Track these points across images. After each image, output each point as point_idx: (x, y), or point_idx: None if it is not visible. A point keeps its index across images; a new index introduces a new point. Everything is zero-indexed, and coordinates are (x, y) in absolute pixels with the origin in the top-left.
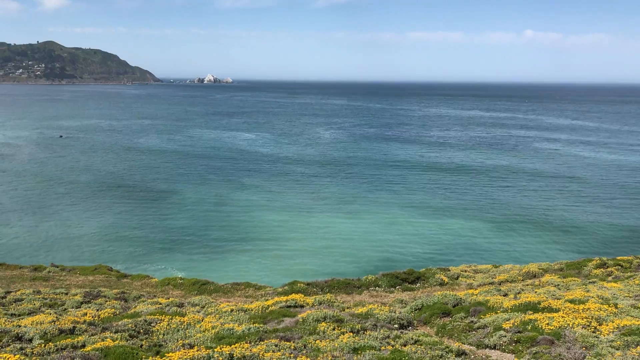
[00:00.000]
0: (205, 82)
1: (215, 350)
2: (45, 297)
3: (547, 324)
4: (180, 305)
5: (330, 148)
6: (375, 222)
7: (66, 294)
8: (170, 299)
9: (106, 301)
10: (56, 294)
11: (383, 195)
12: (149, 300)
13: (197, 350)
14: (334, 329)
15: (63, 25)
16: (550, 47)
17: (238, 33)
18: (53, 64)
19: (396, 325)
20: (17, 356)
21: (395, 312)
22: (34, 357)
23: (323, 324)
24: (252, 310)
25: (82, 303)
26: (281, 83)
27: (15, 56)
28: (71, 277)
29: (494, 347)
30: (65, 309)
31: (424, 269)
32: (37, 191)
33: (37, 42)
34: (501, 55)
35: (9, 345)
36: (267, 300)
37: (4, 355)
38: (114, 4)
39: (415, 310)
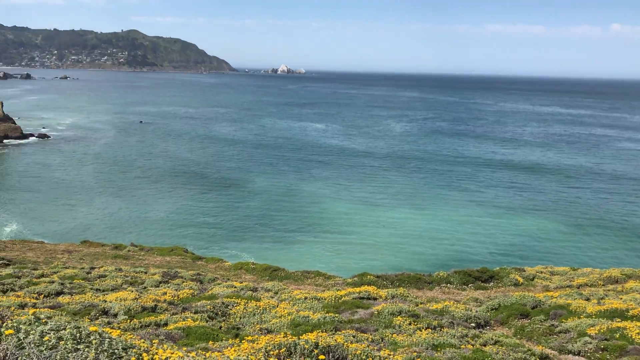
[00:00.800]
0: (279, 72)
1: (301, 337)
2: (127, 275)
3: (638, 333)
4: (254, 289)
5: (400, 141)
6: (445, 219)
7: (145, 272)
8: (245, 283)
9: (183, 282)
10: (136, 273)
11: (453, 192)
12: (223, 283)
13: (284, 337)
14: (409, 324)
15: (146, 15)
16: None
17: (313, 24)
18: (135, 51)
19: (473, 324)
20: (107, 329)
21: (471, 310)
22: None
23: (399, 318)
24: (325, 299)
25: (160, 282)
26: (353, 74)
27: (102, 44)
28: (149, 257)
29: (578, 354)
30: (145, 287)
31: (498, 268)
32: (117, 173)
33: (122, 30)
34: (585, 50)
35: (97, 318)
36: (338, 290)
37: (93, 328)
38: None
39: (492, 309)
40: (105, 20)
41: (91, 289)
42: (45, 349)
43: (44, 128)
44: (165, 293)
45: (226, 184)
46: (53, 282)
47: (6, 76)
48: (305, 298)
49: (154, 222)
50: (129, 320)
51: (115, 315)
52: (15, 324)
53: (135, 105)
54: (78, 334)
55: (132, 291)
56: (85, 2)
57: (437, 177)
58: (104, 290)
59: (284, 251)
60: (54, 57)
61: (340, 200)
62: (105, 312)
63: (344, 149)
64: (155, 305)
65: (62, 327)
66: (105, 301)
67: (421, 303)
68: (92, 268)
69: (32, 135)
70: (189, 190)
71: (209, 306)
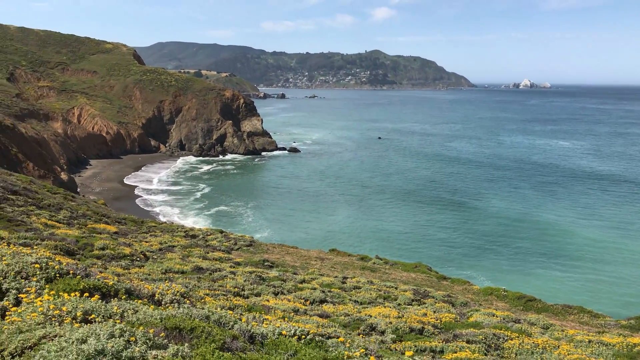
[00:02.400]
0: (521, 87)
1: None
2: (379, 288)
3: None
4: (517, 321)
5: None
6: None
7: (395, 288)
8: (505, 313)
9: (435, 302)
10: (387, 287)
11: None
12: (481, 310)
13: None
14: None
15: (388, 35)
16: None
17: (561, 35)
18: (377, 71)
19: None
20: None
21: None
22: (393, 355)
23: None
24: (613, 345)
25: (413, 300)
26: (606, 88)
27: (346, 64)
28: (394, 271)
29: None
30: (399, 304)
31: None
32: (356, 186)
33: (365, 51)
34: None
35: (368, 334)
36: (620, 336)
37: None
38: (435, 13)
39: None
40: (350, 43)
41: (350, 299)
42: None
43: (294, 142)
44: (426, 314)
45: (460, 203)
46: (315, 288)
47: (265, 96)
48: (590, 341)
49: (389, 235)
50: (398, 341)
51: (382, 333)
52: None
53: (375, 122)
54: None
55: (391, 308)
56: (334, 26)
57: None
58: (361, 303)
59: (520, 275)
60: (305, 78)
61: (587, 226)
62: (372, 328)
63: (593, 171)
64: (422, 328)
65: None
66: (370, 316)
67: None
68: (345, 278)
69: (284, 149)
70: (423, 206)
71: (480, 336)
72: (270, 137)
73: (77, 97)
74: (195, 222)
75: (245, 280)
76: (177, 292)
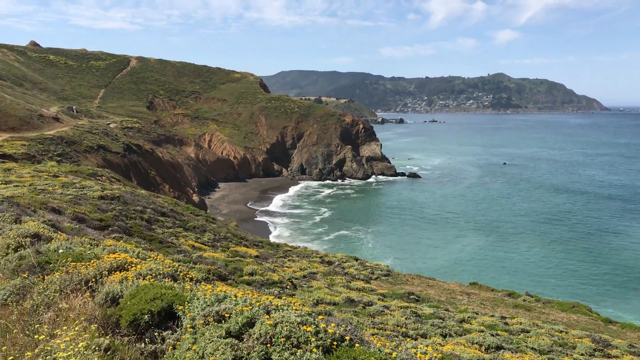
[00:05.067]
0: None
1: None
2: (550, 333)
3: None
4: None
5: None
6: None
7: (565, 332)
8: None
9: (622, 354)
10: (557, 332)
11: None
12: None
13: None
14: None
15: (512, 58)
16: None
17: None
18: (500, 94)
19: None
20: None
21: None
22: None
23: None
24: None
25: (594, 350)
26: None
27: (468, 88)
28: (551, 312)
29: None
30: (582, 354)
31: None
32: (482, 214)
33: (488, 74)
34: None
35: None
36: None
37: None
38: (563, 35)
39: None
40: (471, 66)
41: (526, 346)
42: None
43: (414, 168)
44: None
45: (598, 235)
46: (482, 331)
47: (384, 121)
48: None
49: (522, 268)
50: None
51: None
52: None
53: (498, 147)
54: None
55: None
56: (455, 50)
57: None
58: (540, 351)
59: None
60: (424, 103)
61: None
62: None
63: None
64: None
65: None
66: None
67: None
68: (504, 317)
69: (403, 174)
70: (555, 237)
71: None
72: (389, 162)
73: (208, 123)
74: (318, 246)
75: (405, 318)
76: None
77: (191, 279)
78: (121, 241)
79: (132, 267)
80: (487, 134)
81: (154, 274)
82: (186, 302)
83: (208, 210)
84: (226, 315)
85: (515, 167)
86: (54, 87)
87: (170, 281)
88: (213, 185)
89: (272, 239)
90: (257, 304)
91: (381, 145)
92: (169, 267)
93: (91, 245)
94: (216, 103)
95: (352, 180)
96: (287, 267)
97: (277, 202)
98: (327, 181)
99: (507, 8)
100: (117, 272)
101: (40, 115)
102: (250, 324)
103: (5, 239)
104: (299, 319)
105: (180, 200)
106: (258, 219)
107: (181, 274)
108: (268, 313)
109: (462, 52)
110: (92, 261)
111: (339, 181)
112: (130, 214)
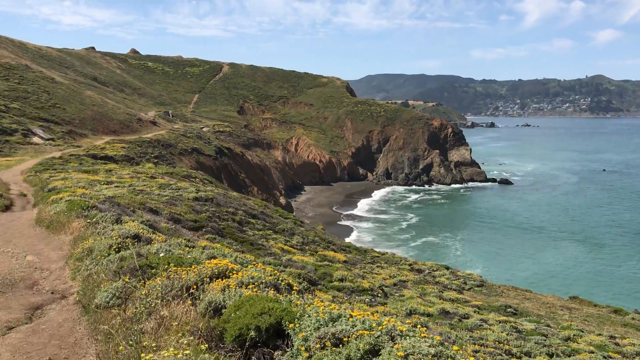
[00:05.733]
0: None
1: None
2: None
3: None
4: None
5: None
6: None
7: None
8: None
9: None
10: None
11: None
12: None
13: None
14: None
15: (613, 59)
16: None
17: None
18: (599, 97)
19: None
20: None
21: None
22: None
23: None
24: None
25: None
26: None
27: (564, 91)
28: None
29: None
30: None
31: None
32: (580, 223)
33: (586, 76)
34: None
35: None
36: None
37: None
38: None
39: None
40: (567, 68)
41: None
42: None
43: (505, 173)
44: None
45: None
46: (592, 352)
47: (473, 125)
48: None
49: (621, 282)
50: None
51: None
52: None
53: (597, 153)
54: None
55: None
56: (550, 52)
57: None
58: None
59: None
60: (517, 106)
61: None
62: None
63: None
64: None
65: None
66: None
67: None
68: (613, 337)
69: (494, 180)
70: None
71: None
72: (478, 167)
73: (295, 127)
74: (404, 252)
75: (507, 334)
76: None
77: (290, 287)
78: (215, 242)
79: (232, 274)
80: (584, 139)
81: (256, 283)
82: (296, 319)
83: (294, 213)
84: (344, 339)
85: (615, 174)
86: (152, 92)
87: (273, 291)
88: (299, 188)
89: (354, 243)
90: (380, 327)
91: (471, 150)
92: (271, 275)
93: (188, 247)
94: (303, 107)
95: (440, 186)
96: (375, 273)
97: (362, 206)
98: (414, 186)
99: (608, 6)
100: (219, 280)
101: (139, 119)
102: (374, 351)
103: (108, 240)
104: (432, 350)
105: (268, 203)
106: (343, 222)
107: (283, 283)
108: (392, 339)
109: (558, 53)
110: (192, 266)
111: (426, 186)
112: (223, 215)
